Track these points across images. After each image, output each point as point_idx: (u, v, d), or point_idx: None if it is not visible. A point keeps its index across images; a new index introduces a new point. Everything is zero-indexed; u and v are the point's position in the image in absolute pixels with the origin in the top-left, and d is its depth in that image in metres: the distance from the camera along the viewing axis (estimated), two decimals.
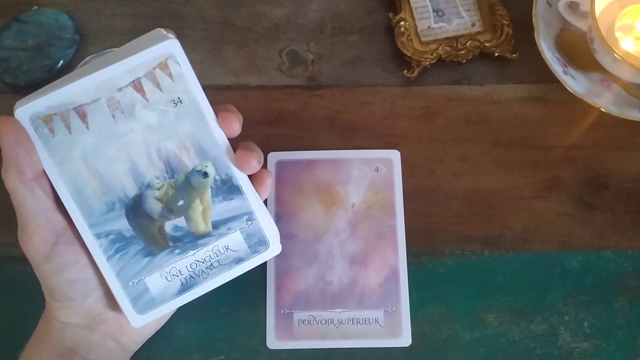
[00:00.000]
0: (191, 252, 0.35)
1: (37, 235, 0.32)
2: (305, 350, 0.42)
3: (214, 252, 0.36)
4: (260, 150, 0.36)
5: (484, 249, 0.44)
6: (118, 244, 0.34)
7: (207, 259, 0.36)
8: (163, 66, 0.32)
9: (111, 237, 0.34)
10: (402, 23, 0.49)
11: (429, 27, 0.49)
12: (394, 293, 0.43)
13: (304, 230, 0.44)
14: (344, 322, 0.42)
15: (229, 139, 0.35)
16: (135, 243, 0.34)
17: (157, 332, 0.42)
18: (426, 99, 0.48)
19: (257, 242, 0.36)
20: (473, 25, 0.49)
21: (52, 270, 0.33)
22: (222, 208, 0.35)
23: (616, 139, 0.47)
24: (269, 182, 0.36)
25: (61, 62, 0.48)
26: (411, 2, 0.49)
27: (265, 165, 0.46)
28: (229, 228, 0.36)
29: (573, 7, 0.47)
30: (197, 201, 0.35)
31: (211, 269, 0.36)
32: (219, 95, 0.48)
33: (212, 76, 0.49)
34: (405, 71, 0.48)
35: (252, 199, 0.36)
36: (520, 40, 0.48)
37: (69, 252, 0.33)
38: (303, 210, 0.45)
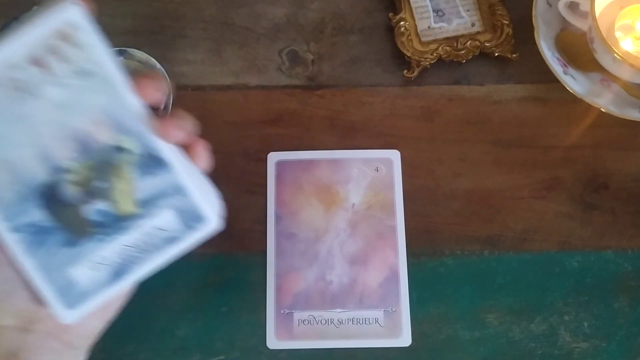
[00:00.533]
0: (118, 237, 0.32)
1: None
2: (305, 350, 0.42)
3: (143, 234, 0.32)
4: (188, 117, 0.32)
5: (484, 249, 0.44)
6: (35, 236, 0.31)
7: (137, 243, 0.32)
8: (64, 36, 0.28)
9: (28, 229, 0.31)
10: (402, 23, 0.49)
11: (429, 27, 0.49)
12: (394, 293, 0.43)
13: (304, 230, 0.44)
14: (344, 322, 0.42)
15: (154, 111, 0.31)
16: (55, 233, 0.31)
17: (157, 332, 0.42)
18: (426, 99, 0.48)
19: (191, 219, 0.33)
20: (473, 25, 0.49)
21: None
22: (147, 185, 0.32)
23: (616, 139, 0.47)
24: (203, 152, 0.33)
25: None
26: (411, 2, 0.49)
27: (265, 165, 0.46)
28: (158, 206, 0.32)
29: (573, 7, 0.47)
30: (119, 180, 0.31)
31: (143, 253, 0.33)
32: (219, 95, 0.48)
33: (212, 76, 0.49)
34: (405, 71, 0.48)
35: (181, 171, 0.32)
36: (520, 40, 0.48)
37: None
38: (303, 210, 0.45)
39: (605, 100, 0.45)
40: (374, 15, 0.51)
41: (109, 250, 0.32)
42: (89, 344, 0.36)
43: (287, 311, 0.42)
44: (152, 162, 0.32)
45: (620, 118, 0.45)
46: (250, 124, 0.47)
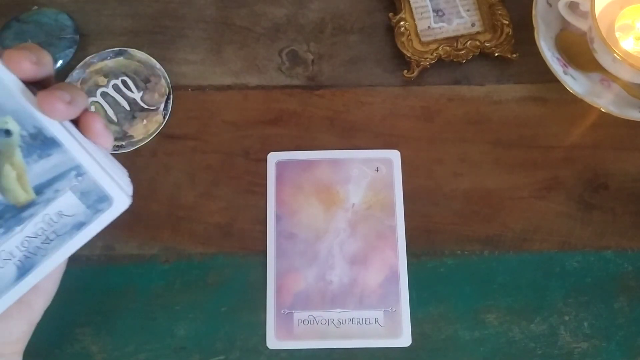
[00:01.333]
0: (17, 229, 0.29)
1: None
2: (305, 350, 0.42)
3: (45, 222, 0.30)
4: (72, 88, 0.29)
5: (484, 249, 0.44)
6: None
7: (39, 232, 0.30)
8: None
9: None
10: (402, 23, 0.49)
11: (429, 27, 0.49)
12: (394, 293, 0.43)
13: (304, 230, 0.44)
14: (344, 322, 0.42)
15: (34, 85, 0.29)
16: None
17: (157, 332, 0.42)
18: (426, 99, 0.48)
19: (96, 200, 0.30)
20: (473, 25, 0.49)
21: None
22: (40, 168, 0.29)
23: (616, 139, 0.47)
24: (97, 126, 0.29)
25: (61, 62, 0.48)
26: (411, 2, 0.49)
27: (265, 165, 0.46)
28: (57, 190, 0.29)
29: (573, 7, 0.47)
30: (8, 166, 0.29)
31: (48, 243, 0.30)
32: (219, 95, 0.48)
33: (212, 76, 0.49)
34: (405, 71, 0.48)
35: (76, 149, 0.29)
36: (520, 40, 0.48)
37: None
38: (303, 210, 0.45)
39: (605, 100, 0.45)
40: (374, 15, 0.51)
41: (9, 243, 0.30)
42: (20, 350, 0.33)
43: (287, 311, 0.42)
44: (42, 143, 0.29)
45: (620, 118, 0.45)
46: (250, 124, 0.47)
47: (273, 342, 0.42)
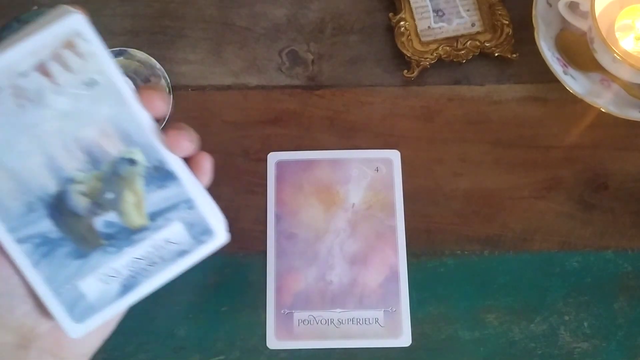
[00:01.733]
0: (128, 250, 0.32)
1: None
2: (305, 350, 0.42)
3: (153, 247, 0.32)
4: (192, 130, 0.32)
5: (484, 249, 0.44)
6: (44, 247, 0.30)
7: (146, 256, 0.32)
8: (69, 45, 0.28)
9: (35, 240, 0.30)
10: (402, 23, 0.49)
11: (429, 27, 0.49)
12: (394, 293, 0.43)
13: (304, 230, 0.44)
14: (344, 322, 0.42)
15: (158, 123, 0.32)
16: (64, 245, 0.31)
17: (157, 332, 0.42)
18: (426, 99, 0.48)
19: (200, 232, 0.33)
20: (473, 25, 0.49)
21: None
22: (157, 197, 0.32)
23: (616, 139, 0.47)
24: (207, 165, 0.33)
25: None
26: (411, 2, 0.49)
27: (265, 165, 0.46)
28: (168, 219, 0.32)
29: (573, 7, 0.47)
30: (128, 192, 0.31)
31: (153, 266, 0.33)
32: (219, 95, 0.48)
33: (212, 76, 0.49)
34: (405, 71, 0.48)
35: (190, 184, 0.32)
36: (520, 40, 0.48)
37: None
38: (303, 210, 0.45)
39: (605, 100, 0.45)
40: (374, 15, 0.51)
41: (118, 262, 0.32)
42: None
43: (287, 311, 0.42)
44: (161, 175, 0.32)
45: (620, 118, 0.45)
46: (250, 124, 0.47)
47: (273, 342, 0.42)
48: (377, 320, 0.42)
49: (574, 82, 0.46)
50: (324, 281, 0.43)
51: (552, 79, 0.46)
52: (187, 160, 0.33)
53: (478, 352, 0.42)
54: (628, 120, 0.45)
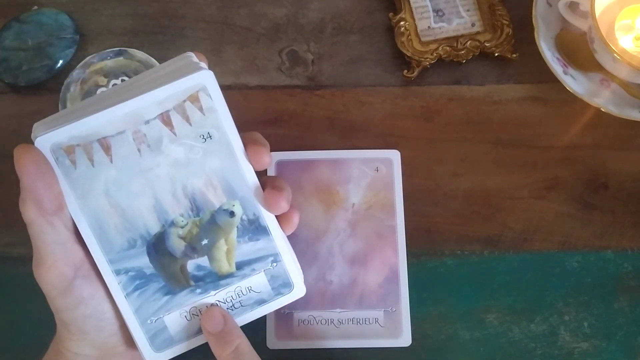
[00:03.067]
0: (213, 292, 0.34)
1: (55, 269, 0.30)
2: (305, 350, 0.42)
3: (236, 292, 0.35)
4: (289, 189, 0.34)
5: (484, 249, 0.44)
6: (138, 281, 0.33)
7: (228, 300, 0.35)
8: (194, 99, 0.30)
9: (131, 273, 0.32)
10: (402, 23, 0.49)
11: (429, 27, 0.49)
12: (394, 293, 0.43)
13: (304, 230, 0.44)
14: (344, 322, 0.42)
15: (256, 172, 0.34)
16: (156, 281, 0.33)
17: None
18: (426, 99, 0.48)
19: (281, 284, 0.35)
20: (473, 25, 0.49)
21: (67, 305, 0.31)
22: (247, 249, 0.34)
23: (616, 139, 0.47)
24: (296, 220, 0.35)
25: (61, 62, 0.48)
26: (411, 2, 0.49)
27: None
28: (253, 269, 0.34)
29: (573, 7, 0.47)
30: (222, 241, 0.33)
31: (232, 310, 0.35)
32: None
33: None
34: (405, 71, 0.48)
35: (279, 239, 0.34)
36: (520, 40, 0.48)
37: (86, 286, 0.32)
38: (303, 210, 0.45)
39: (605, 100, 0.45)
40: (374, 15, 0.51)
41: (202, 303, 0.34)
42: None
43: (287, 311, 0.42)
44: (255, 229, 0.34)
45: (620, 118, 0.45)
46: (250, 124, 0.47)
47: (273, 342, 0.42)
48: (377, 320, 0.42)
49: (574, 82, 0.46)
50: (324, 281, 0.43)
51: (552, 79, 0.46)
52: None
53: (478, 352, 0.42)
54: (628, 120, 0.45)
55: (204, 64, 0.31)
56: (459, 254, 0.44)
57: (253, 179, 0.33)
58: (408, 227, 0.44)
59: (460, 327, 0.43)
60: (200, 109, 0.31)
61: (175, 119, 0.30)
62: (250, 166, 0.33)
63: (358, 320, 0.42)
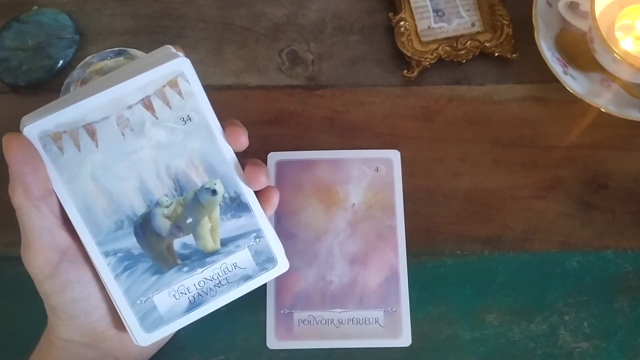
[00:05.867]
0: (199, 270, 0.35)
1: (41, 253, 0.31)
2: (305, 350, 0.42)
3: (222, 269, 0.36)
4: (266, 167, 0.36)
5: (484, 249, 0.44)
6: (126, 262, 0.34)
7: (215, 277, 0.36)
8: (173, 84, 0.32)
9: (119, 255, 0.34)
10: (402, 23, 0.49)
11: (429, 27, 0.49)
12: (394, 293, 0.43)
13: (304, 230, 0.44)
14: (344, 322, 0.42)
15: (235, 154, 0.35)
16: (144, 261, 0.34)
17: None
18: (426, 99, 0.48)
19: (264, 260, 0.36)
20: (473, 25, 0.49)
21: (54, 289, 0.32)
22: (230, 225, 0.35)
23: (616, 139, 0.47)
24: (275, 199, 0.36)
25: (61, 62, 0.48)
26: (411, 2, 0.49)
27: (265, 165, 0.46)
28: (237, 246, 0.36)
29: (573, 7, 0.47)
30: (206, 219, 0.35)
31: (219, 287, 0.36)
32: (219, 95, 0.48)
33: (212, 76, 0.49)
34: (405, 71, 0.48)
35: (260, 216, 0.36)
36: (520, 40, 0.48)
37: (73, 269, 0.32)
38: (303, 210, 0.45)
39: (605, 100, 0.45)
40: (374, 15, 0.51)
41: (189, 281, 0.35)
42: None
43: (287, 311, 0.42)
44: (237, 206, 0.35)
45: (620, 118, 0.45)
46: (250, 124, 0.47)
47: (273, 342, 0.42)
48: (377, 320, 0.42)
49: (574, 82, 0.46)
50: (324, 281, 0.43)
51: (552, 79, 0.46)
52: (257, 192, 0.36)
53: (478, 352, 0.42)
54: (628, 120, 0.45)
55: (181, 53, 0.33)
56: (459, 254, 0.44)
57: (233, 159, 0.34)
58: (408, 227, 0.44)
59: (460, 327, 0.43)
60: (180, 93, 0.32)
61: (156, 103, 0.32)
62: (229, 147, 0.34)
63: (358, 320, 0.42)
